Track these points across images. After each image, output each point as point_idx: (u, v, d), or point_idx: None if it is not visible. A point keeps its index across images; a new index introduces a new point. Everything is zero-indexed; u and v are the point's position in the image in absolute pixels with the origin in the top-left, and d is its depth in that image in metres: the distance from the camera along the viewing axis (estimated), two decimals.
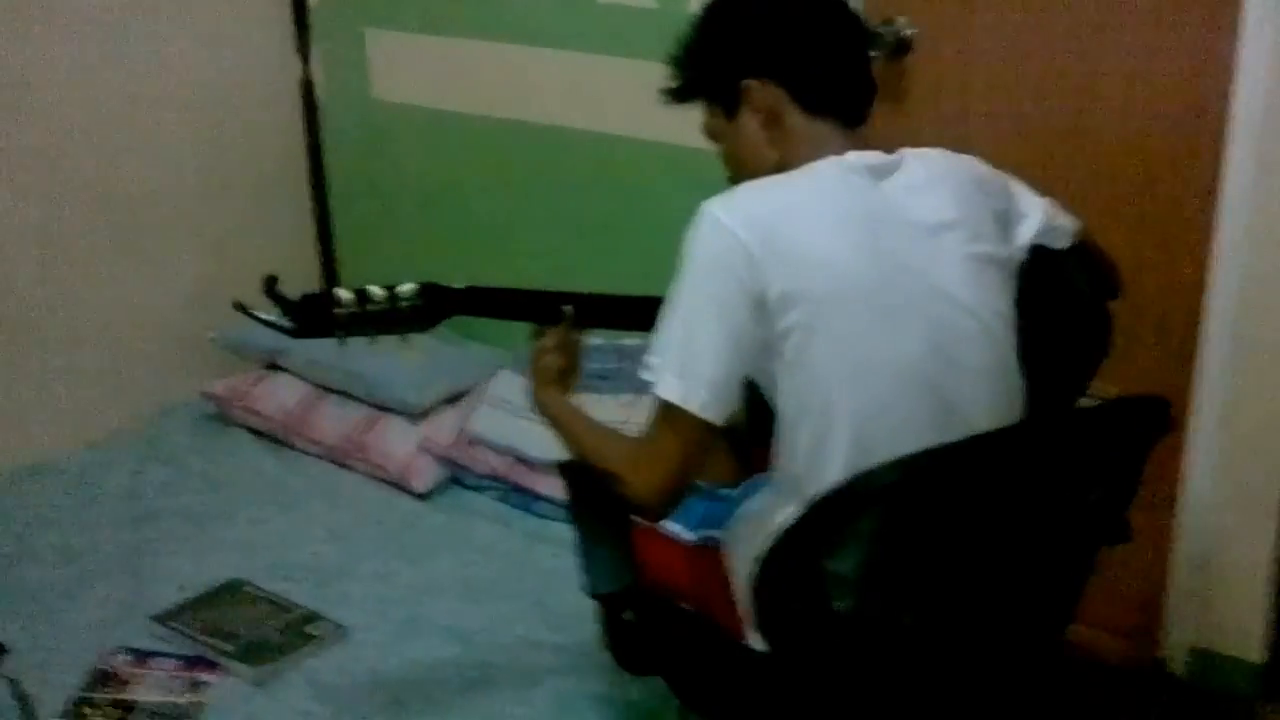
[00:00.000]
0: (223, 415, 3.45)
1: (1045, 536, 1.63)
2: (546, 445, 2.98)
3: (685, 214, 3.10)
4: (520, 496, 3.08)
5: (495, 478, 3.12)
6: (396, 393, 3.21)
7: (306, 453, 3.31)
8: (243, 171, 3.64)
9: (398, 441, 3.19)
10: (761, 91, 1.78)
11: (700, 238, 1.67)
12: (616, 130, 3.22)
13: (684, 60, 1.88)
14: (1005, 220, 1.82)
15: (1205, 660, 2.54)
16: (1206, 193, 2.44)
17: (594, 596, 1.72)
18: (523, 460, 3.07)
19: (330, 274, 3.88)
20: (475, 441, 3.14)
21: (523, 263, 3.43)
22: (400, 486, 3.15)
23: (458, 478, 3.18)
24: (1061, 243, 1.90)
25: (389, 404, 3.24)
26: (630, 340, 3.12)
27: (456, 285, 2.01)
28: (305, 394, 3.36)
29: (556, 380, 1.97)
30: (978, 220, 1.75)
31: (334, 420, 3.29)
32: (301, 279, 3.77)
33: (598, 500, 1.79)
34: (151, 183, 3.43)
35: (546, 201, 3.41)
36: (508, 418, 3.11)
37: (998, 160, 1.89)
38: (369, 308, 1.94)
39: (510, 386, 3.17)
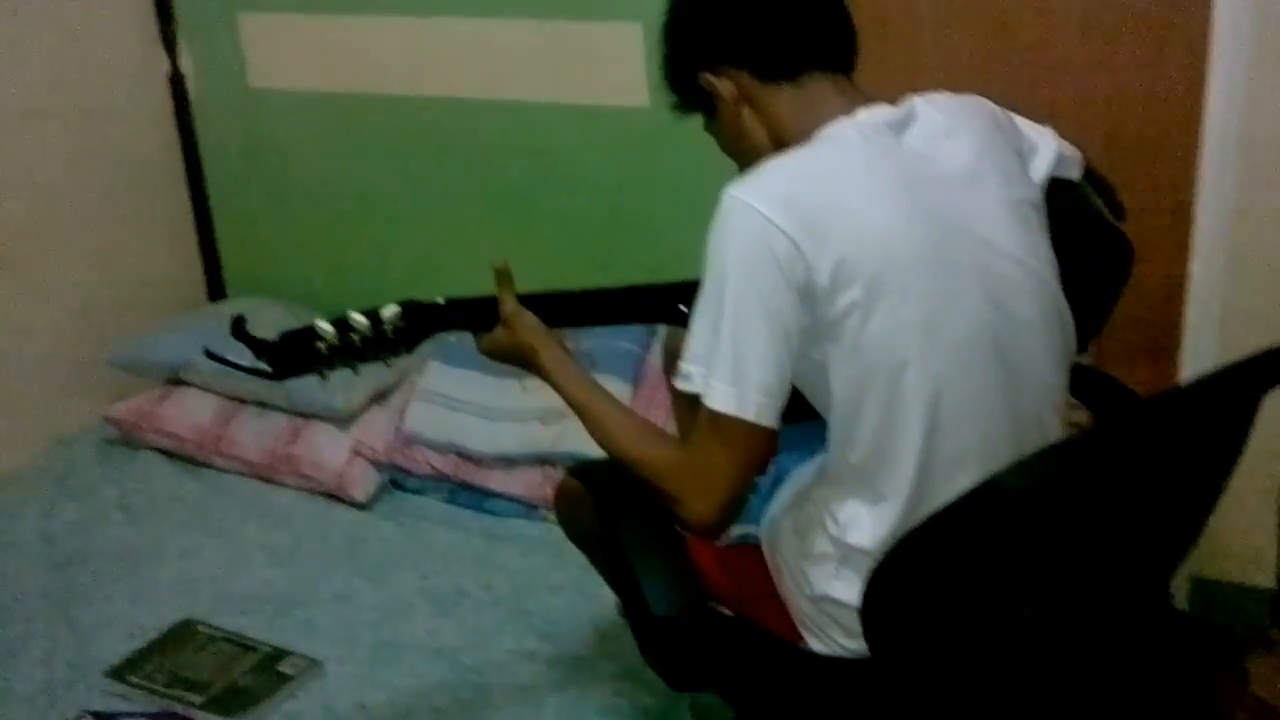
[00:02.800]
0: (128, 439, 3.22)
1: (1159, 504, 1.55)
2: (490, 437, 2.90)
3: (607, 179, 3.05)
4: (469, 495, 2.94)
5: (439, 478, 2.97)
6: (320, 397, 2.99)
7: (228, 471, 3.11)
8: (116, 178, 3.39)
9: (328, 449, 3.01)
10: (721, 82, 1.67)
11: (731, 228, 1.53)
12: (525, 97, 3.08)
13: (662, 74, 1.77)
14: (1022, 157, 1.73)
15: (1210, 590, 2.52)
16: (1184, 128, 2.38)
17: (658, 618, 1.60)
18: (467, 456, 2.93)
19: (215, 280, 3.65)
20: (413, 441, 2.98)
21: (434, 252, 3.27)
22: (337, 497, 2.98)
23: (398, 481, 3.02)
24: (1074, 172, 1.82)
25: (313, 410, 3.05)
26: None
27: (437, 299, 1.87)
28: (218, 408, 3.15)
29: (556, 341, 1.81)
30: (1005, 163, 1.67)
31: (254, 433, 3.09)
32: (187, 288, 3.58)
33: (636, 509, 1.66)
34: (19, 198, 3.17)
35: (456, 180, 3.24)
36: (444, 412, 2.97)
37: None
38: (352, 337, 1.79)
39: (442, 378, 3.03)
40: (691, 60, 1.70)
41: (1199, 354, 2.43)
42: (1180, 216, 2.43)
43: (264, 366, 1.79)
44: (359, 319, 1.79)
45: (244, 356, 1.81)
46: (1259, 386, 1.47)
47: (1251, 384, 1.46)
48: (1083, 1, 2.47)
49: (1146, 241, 2.33)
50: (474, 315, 1.86)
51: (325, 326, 1.77)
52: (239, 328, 1.78)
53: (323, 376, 1.82)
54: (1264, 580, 2.47)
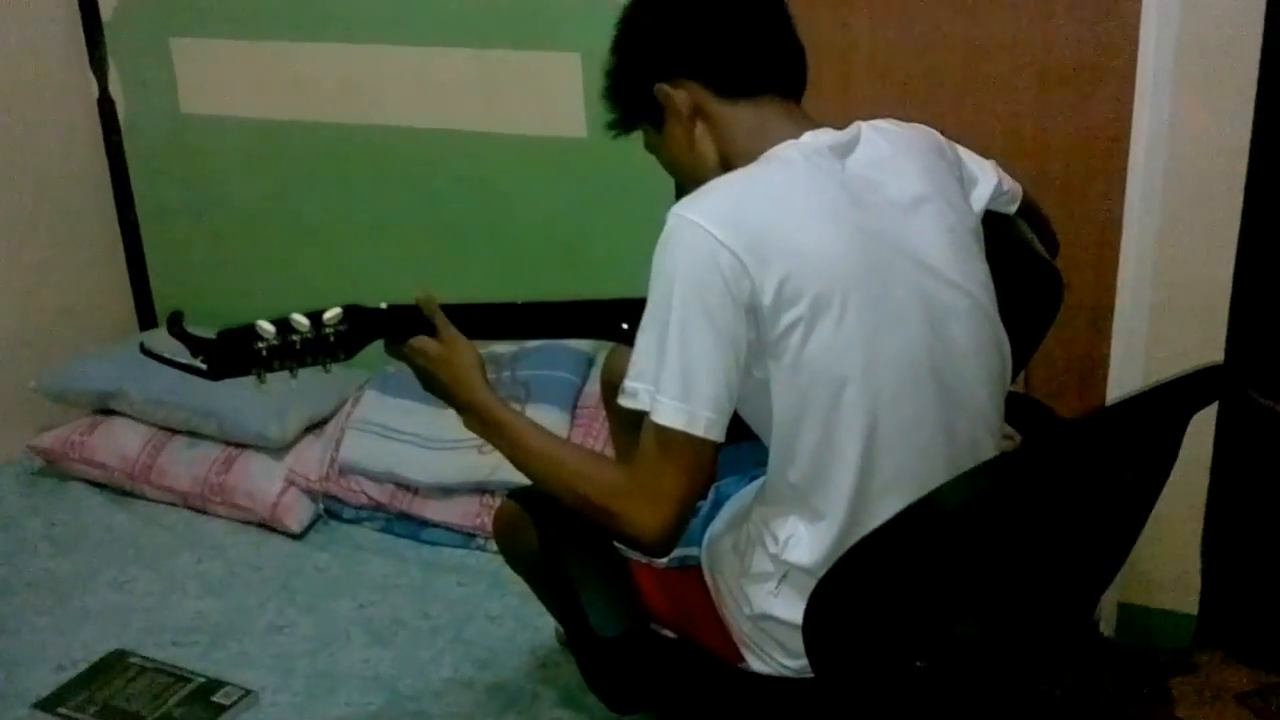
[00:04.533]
0: (54, 470, 3.18)
1: (1090, 522, 1.59)
2: (427, 466, 2.89)
3: (544, 208, 3.07)
4: (406, 524, 2.92)
5: (375, 507, 2.95)
6: (253, 426, 2.99)
7: (159, 501, 3.08)
8: (43, 202, 3.35)
9: (262, 479, 2.98)
10: (677, 94, 1.68)
11: (677, 246, 1.54)
12: (462, 125, 3.08)
13: (607, 88, 1.77)
14: (963, 186, 1.77)
15: (1135, 615, 2.55)
16: (1110, 168, 2.43)
17: (601, 641, 1.61)
18: (403, 485, 2.92)
19: (145, 307, 3.62)
20: (348, 471, 2.96)
21: (370, 280, 3.22)
22: (271, 528, 2.95)
23: (333, 511, 3.00)
24: (1011, 206, 1.87)
25: (246, 439, 3.02)
26: (502, 348, 3.00)
27: (380, 304, 1.86)
28: (148, 437, 3.11)
29: (484, 378, 1.78)
30: (948, 191, 1.70)
31: (186, 463, 3.06)
32: (116, 315, 3.54)
33: (578, 531, 1.67)
34: None
35: (392, 208, 3.23)
36: (380, 441, 2.95)
37: None
38: (292, 338, 1.78)
39: (378, 408, 3.01)
40: (648, 70, 1.69)
41: (1124, 388, 2.47)
42: (1106, 254, 2.48)
43: (200, 365, 1.77)
44: (300, 320, 1.77)
45: (181, 354, 1.78)
46: (1186, 407, 1.51)
47: (1179, 404, 1.51)
48: (1013, 42, 2.52)
49: (1073, 278, 2.38)
50: (415, 321, 1.85)
51: (266, 326, 1.75)
52: (176, 324, 1.76)
53: (260, 378, 1.79)
54: (1188, 606, 2.52)
